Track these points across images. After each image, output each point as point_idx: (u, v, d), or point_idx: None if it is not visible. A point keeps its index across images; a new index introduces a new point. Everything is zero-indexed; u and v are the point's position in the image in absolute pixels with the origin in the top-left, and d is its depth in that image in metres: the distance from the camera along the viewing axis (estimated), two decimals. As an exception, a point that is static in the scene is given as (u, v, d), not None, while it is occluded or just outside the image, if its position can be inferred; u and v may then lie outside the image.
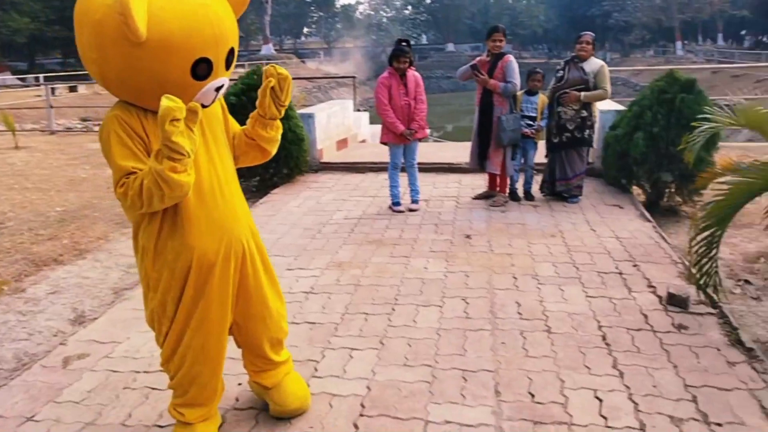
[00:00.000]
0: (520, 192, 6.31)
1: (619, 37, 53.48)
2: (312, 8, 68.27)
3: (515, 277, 4.19)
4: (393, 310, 3.73)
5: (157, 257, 2.14)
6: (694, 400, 2.73)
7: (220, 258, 2.19)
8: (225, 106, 2.36)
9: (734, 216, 3.47)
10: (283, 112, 2.33)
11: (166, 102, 1.77)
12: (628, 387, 2.83)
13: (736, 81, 26.81)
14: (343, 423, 2.62)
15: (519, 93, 6.06)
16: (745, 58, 36.28)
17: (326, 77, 33.82)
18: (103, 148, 2.02)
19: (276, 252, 4.84)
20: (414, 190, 6.04)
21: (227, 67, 2.08)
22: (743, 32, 50.26)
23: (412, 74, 5.73)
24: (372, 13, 68.50)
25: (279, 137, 2.43)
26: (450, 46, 64.57)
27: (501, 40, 5.85)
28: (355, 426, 2.59)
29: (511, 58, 5.89)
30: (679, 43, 46.24)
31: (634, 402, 2.71)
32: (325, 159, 8.16)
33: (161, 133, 1.79)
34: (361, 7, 72.66)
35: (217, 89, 2.07)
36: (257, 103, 2.30)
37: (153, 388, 2.92)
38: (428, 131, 6.14)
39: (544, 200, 6.26)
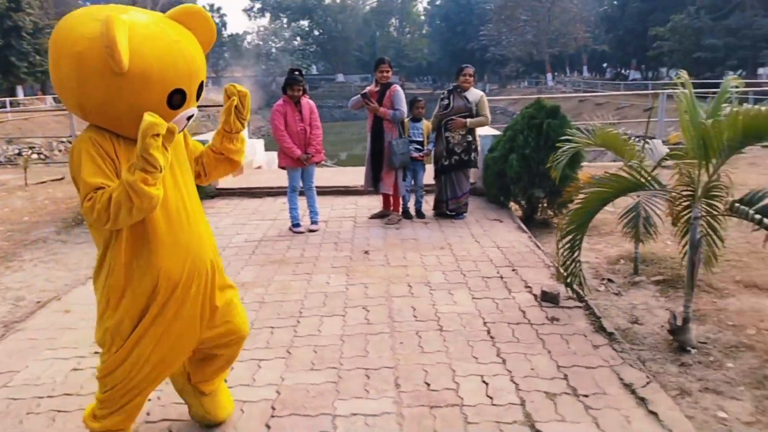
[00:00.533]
0: (412, 210, 6.75)
1: (496, 69, 57.20)
2: (196, 36, 67.00)
3: (410, 285, 4.53)
4: (298, 322, 3.93)
5: (123, 276, 2.20)
6: (566, 377, 3.16)
7: (184, 278, 2.28)
8: (187, 132, 2.50)
9: (591, 221, 4.02)
10: (245, 125, 2.52)
11: (150, 117, 1.91)
12: (510, 371, 3.22)
13: (600, 108, 29.52)
14: (255, 425, 2.77)
15: (406, 120, 6.53)
16: (606, 88, 40.22)
17: (216, 105, 33.26)
18: (72, 166, 2.08)
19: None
20: (313, 212, 6.28)
21: (197, 98, 2.25)
22: (605, 65, 55.56)
23: (306, 101, 6.02)
24: (260, 43, 68.46)
25: (245, 147, 2.59)
26: (340, 77, 65.97)
27: (387, 71, 6.31)
28: (267, 426, 2.76)
29: (398, 87, 6.36)
30: (549, 75, 50.31)
31: (515, 383, 3.10)
32: (221, 185, 8.20)
33: (140, 145, 1.92)
34: (249, 37, 72.23)
35: (188, 118, 2.23)
36: (222, 120, 2.47)
37: (59, 411, 2.91)
38: (324, 156, 6.44)
39: (433, 218, 6.72)
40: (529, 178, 6.48)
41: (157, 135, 1.93)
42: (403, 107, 6.28)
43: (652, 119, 10.87)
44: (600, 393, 3.01)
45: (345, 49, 66.57)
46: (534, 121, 6.48)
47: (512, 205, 7.12)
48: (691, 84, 3.87)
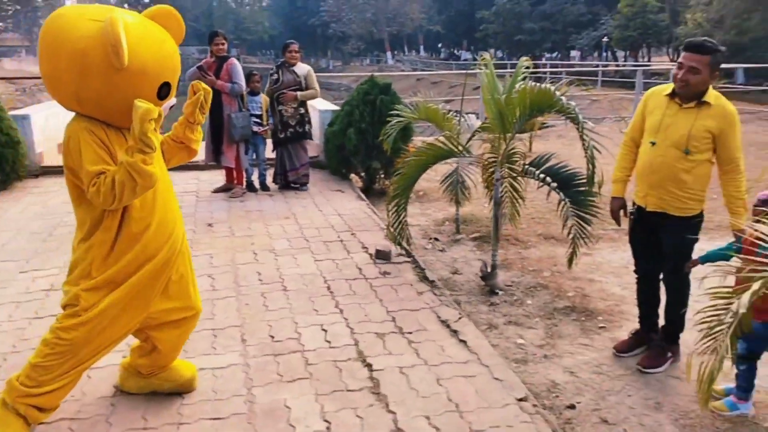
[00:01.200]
0: (256, 183, 6.91)
1: (338, 46, 57.84)
2: (6, 1, 59.31)
3: (255, 253, 4.76)
4: (142, 292, 3.99)
5: (109, 249, 2.37)
6: (394, 320, 3.63)
7: (165, 253, 2.48)
8: None
9: (413, 186, 4.54)
10: (204, 118, 2.72)
11: (145, 104, 2.13)
12: (346, 319, 3.62)
13: (435, 86, 31.26)
14: (105, 387, 2.89)
15: (245, 93, 6.64)
16: (441, 67, 42.64)
17: (31, 77, 29.92)
18: (71, 155, 2.27)
19: (4, 258, 4.62)
20: (152, 187, 6.20)
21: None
22: (440, 45, 58.66)
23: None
24: (82, 9, 62.20)
25: (201, 137, 2.78)
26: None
27: (223, 44, 6.36)
28: (115, 387, 2.88)
29: (235, 61, 6.44)
30: (389, 53, 51.99)
31: (350, 328, 3.51)
32: (47, 162, 7.67)
33: (138, 128, 2.13)
34: (68, 2, 65.33)
35: (170, 107, 2.49)
36: (187, 113, 2.67)
37: None
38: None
39: (278, 190, 6.95)
40: (366, 151, 6.93)
41: (152, 120, 2.16)
42: (241, 80, 6.38)
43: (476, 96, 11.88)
44: (421, 329, 3.52)
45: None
46: (368, 97, 6.92)
47: (353, 176, 7.56)
48: (510, 65, 4.49)
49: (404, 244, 4.59)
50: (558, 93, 3.71)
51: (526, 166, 4.07)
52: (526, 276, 4.65)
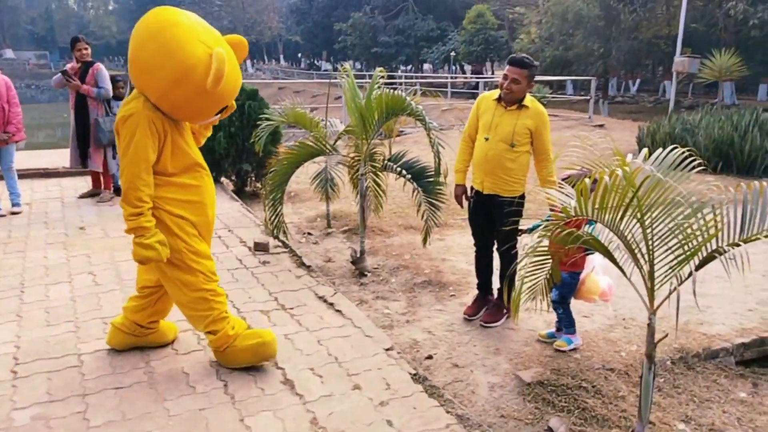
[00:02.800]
0: (125, 188, 6.91)
1: (195, 53, 56.00)
2: None
3: (134, 251, 4.91)
4: (22, 292, 4.04)
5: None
6: (276, 299, 4.05)
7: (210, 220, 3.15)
8: None
9: (288, 181, 4.98)
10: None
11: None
12: (232, 301, 3.97)
13: (298, 95, 31.43)
14: (1, 373, 3.00)
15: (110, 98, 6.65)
16: (302, 76, 43.10)
17: None
18: (125, 134, 2.68)
19: None
20: (14, 194, 6.02)
21: None
22: (299, 55, 59.07)
23: (2, 78, 5.73)
24: None
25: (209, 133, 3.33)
26: (8, 53, 56.66)
27: (86, 49, 6.36)
28: (14, 372, 3.02)
29: (101, 66, 6.45)
30: (248, 62, 51.38)
31: (237, 308, 3.88)
32: None
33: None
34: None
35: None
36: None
37: None
38: (25, 135, 6.17)
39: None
40: (237, 154, 7.22)
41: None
42: (108, 85, 6.41)
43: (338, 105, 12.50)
44: (301, 305, 3.97)
45: (14, 21, 57.39)
46: (237, 102, 7.19)
47: (224, 179, 7.79)
48: (366, 75, 5.07)
49: (281, 236, 5.01)
50: (409, 99, 4.36)
51: (386, 162, 4.69)
52: (390, 260, 5.27)
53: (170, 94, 2.68)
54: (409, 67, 40.46)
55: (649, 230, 2.58)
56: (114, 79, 6.86)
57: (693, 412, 3.31)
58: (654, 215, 2.54)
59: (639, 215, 2.53)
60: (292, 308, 3.91)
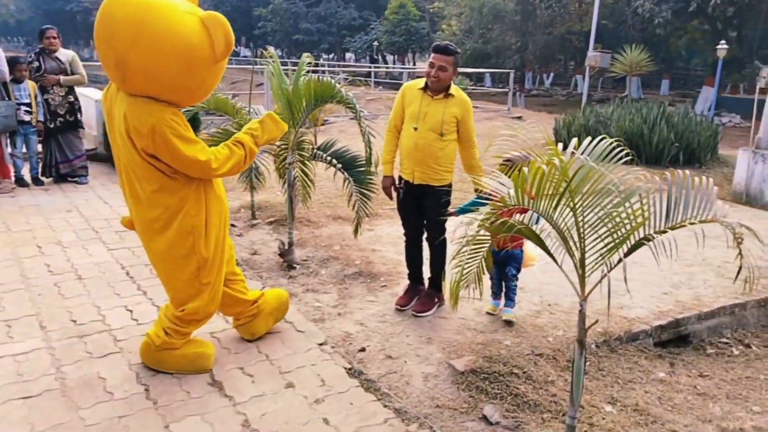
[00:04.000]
0: (28, 178, 6.37)
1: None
2: None
3: (39, 246, 4.53)
4: None
5: (204, 216, 2.78)
6: (199, 295, 3.83)
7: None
8: None
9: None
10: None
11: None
12: (151, 299, 3.74)
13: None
14: None
15: (8, 82, 6.10)
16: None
17: None
18: (158, 142, 2.46)
19: None
20: None
21: None
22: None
23: None
24: None
25: None
26: None
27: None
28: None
29: (-4, 45, 5.89)
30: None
31: (157, 306, 3.65)
32: None
33: (276, 136, 3.04)
34: None
35: None
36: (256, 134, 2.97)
37: None
38: None
39: (53, 184, 6.50)
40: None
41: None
42: (4, 67, 5.86)
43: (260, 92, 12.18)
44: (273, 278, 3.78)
45: None
46: (152, 88, 6.81)
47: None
48: (288, 62, 4.88)
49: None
50: (338, 86, 4.24)
51: (316, 151, 4.55)
52: (320, 251, 5.14)
53: (183, 81, 2.49)
54: (331, 56, 40.11)
55: (580, 218, 2.61)
56: (15, 60, 6.30)
57: (618, 394, 3.42)
58: (585, 204, 2.58)
59: (572, 204, 2.55)
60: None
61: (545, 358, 3.60)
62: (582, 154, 2.69)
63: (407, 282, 4.23)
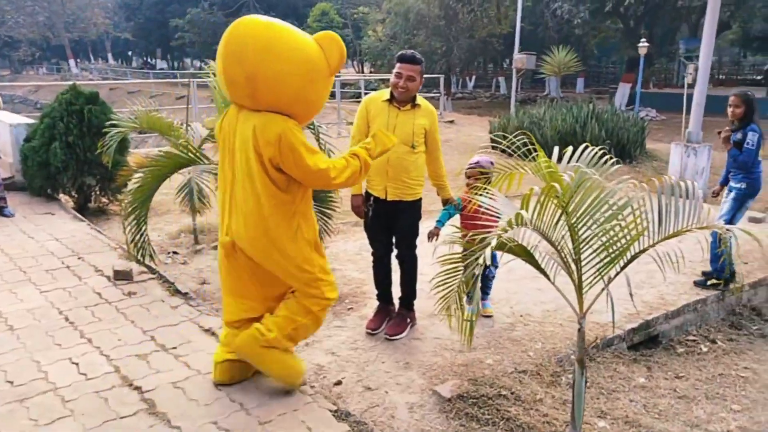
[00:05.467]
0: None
1: (6, 52, 49.57)
2: None
3: (-43, 294, 3.98)
4: None
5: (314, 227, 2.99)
6: (153, 338, 3.46)
7: None
8: None
9: (152, 198, 4.34)
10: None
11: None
12: (98, 347, 3.32)
13: (133, 96, 29.22)
14: None
15: None
16: (136, 76, 39.87)
17: None
18: (284, 152, 2.60)
19: None
20: None
21: None
22: (130, 53, 54.63)
23: None
24: None
25: None
26: None
27: None
28: None
29: None
30: (72, 61, 46.58)
31: (106, 355, 3.23)
32: None
33: (387, 147, 3.11)
34: None
35: None
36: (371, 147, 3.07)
37: None
38: None
39: (-34, 220, 5.83)
40: (78, 166, 6.27)
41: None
42: None
43: (189, 106, 11.63)
44: (185, 342, 3.43)
45: None
46: (73, 107, 6.27)
47: (62, 196, 6.76)
48: (212, 74, 4.52)
49: (148, 260, 4.35)
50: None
51: (268, 169, 4.24)
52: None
53: (305, 92, 2.69)
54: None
55: (576, 236, 2.50)
56: None
57: (605, 406, 3.35)
58: (581, 221, 2.47)
59: (569, 222, 2.44)
60: (175, 348, 3.36)
61: (529, 375, 3.47)
62: (575, 162, 2.61)
63: (376, 303, 4.01)
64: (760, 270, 5.09)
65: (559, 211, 2.45)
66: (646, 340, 4.21)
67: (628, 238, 2.46)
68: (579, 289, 2.62)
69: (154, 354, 3.27)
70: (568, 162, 2.67)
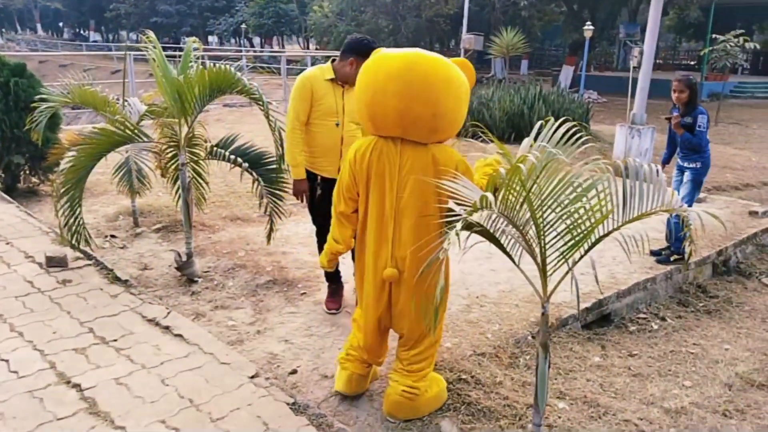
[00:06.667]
0: None
1: None
2: None
3: None
4: None
5: None
6: (92, 331, 3.22)
7: None
8: None
9: (87, 178, 4.03)
10: None
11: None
12: (30, 341, 3.06)
13: (65, 70, 27.60)
14: None
15: None
16: (67, 48, 37.72)
17: None
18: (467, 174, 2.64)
19: None
20: None
21: None
22: (61, 24, 51.68)
23: None
24: None
25: None
26: None
27: None
28: None
29: None
30: (-4, 31, 43.72)
31: (39, 350, 2.98)
32: None
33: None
34: None
35: None
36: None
37: None
38: None
39: None
40: (3, 144, 5.82)
41: None
42: None
43: (126, 80, 11.05)
44: (128, 334, 3.21)
45: None
46: (-2, 80, 5.79)
47: (-13, 176, 6.27)
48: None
49: (83, 245, 4.05)
50: (239, 75, 3.74)
51: (215, 148, 4.01)
52: (222, 259, 4.62)
53: (463, 119, 2.71)
54: (192, 39, 37.83)
55: (540, 217, 2.43)
56: None
57: (563, 386, 3.34)
58: (545, 202, 2.40)
59: (532, 203, 2.36)
60: (115, 340, 3.13)
61: (488, 358, 3.43)
62: (541, 142, 2.54)
63: (331, 286, 3.88)
64: (704, 248, 5.23)
65: (524, 193, 2.37)
66: (598, 319, 4.25)
67: (593, 220, 2.40)
68: (543, 272, 2.56)
69: (94, 347, 3.04)
70: (535, 139, 2.61)
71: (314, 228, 3.82)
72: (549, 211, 2.43)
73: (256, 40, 37.72)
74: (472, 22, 21.29)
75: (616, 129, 8.58)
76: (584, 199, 2.40)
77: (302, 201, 3.65)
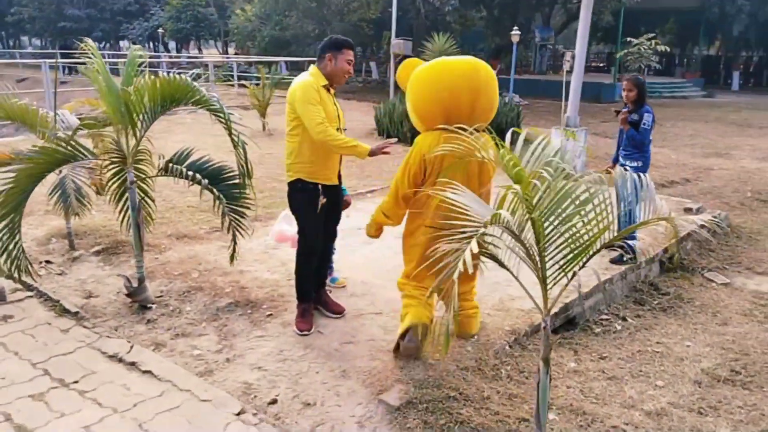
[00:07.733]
0: None
1: None
2: None
3: None
4: None
5: None
6: (47, 372, 2.90)
7: None
8: None
9: (27, 200, 3.65)
10: None
11: None
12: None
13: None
14: None
15: None
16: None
17: None
18: None
19: None
20: None
21: None
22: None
23: None
24: None
25: None
26: None
27: None
28: None
29: None
30: None
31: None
32: None
33: None
34: None
35: None
36: None
37: None
38: None
39: None
40: None
41: None
42: None
43: (52, 90, 10.31)
44: (89, 374, 2.92)
45: None
46: None
47: None
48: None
49: (24, 276, 3.65)
50: (196, 85, 3.50)
51: (170, 164, 3.74)
52: (175, 282, 4.33)
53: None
54: (104, 44, 36.03)
55: (542, 231, 2.39)
56: None
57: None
58: (547, 218, 2.37)
59: (540, 220, 2.32)
60: (76, 382, 2.83)
61: (472, 372, 3.37)
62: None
63: (303, 305, 3.71)
64: (651, 247, 5.43)
65: (527, 207, 2.33)
66: (565, 323, 4.30)
67: (595, 231, 2.39)
68: (543, 284, 2.53)
69: (53, 392, 2.73)
70: (511, 144, 2.61)
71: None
72: (549, 225, 2.40)
73: (172, 44, 36.41)
74: (398, 26, 21.48)
75: (551, 132, 8.82)
76: (582, 212, 2.39)
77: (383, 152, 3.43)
